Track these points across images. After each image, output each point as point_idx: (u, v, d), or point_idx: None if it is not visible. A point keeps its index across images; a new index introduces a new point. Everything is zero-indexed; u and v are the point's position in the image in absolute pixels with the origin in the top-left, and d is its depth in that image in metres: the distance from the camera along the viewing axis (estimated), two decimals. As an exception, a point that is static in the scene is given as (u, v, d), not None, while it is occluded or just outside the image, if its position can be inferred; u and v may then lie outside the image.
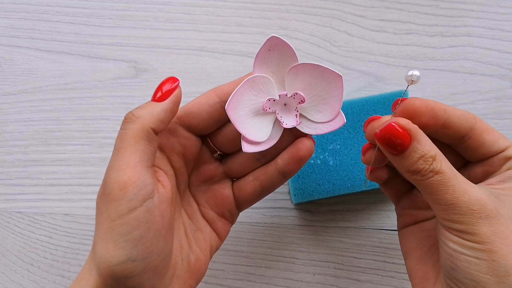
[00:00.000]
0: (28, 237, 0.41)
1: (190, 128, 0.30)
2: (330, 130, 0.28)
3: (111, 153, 0.42)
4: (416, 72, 0.26)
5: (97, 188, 0.42)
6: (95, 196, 0.42)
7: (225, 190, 0.32)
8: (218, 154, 0.31)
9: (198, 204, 0.32)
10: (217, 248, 0.32)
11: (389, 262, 0.40)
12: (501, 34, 0.43)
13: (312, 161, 0.38)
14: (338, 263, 0.40)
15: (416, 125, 0.25)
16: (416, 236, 0.30)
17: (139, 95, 0.43)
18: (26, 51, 0.44)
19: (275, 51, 0.27)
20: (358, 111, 0.38)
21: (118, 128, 0.43)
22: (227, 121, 0.30)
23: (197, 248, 0.31)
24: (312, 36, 0.43)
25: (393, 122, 0.25)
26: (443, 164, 0.25)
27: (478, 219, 0.24)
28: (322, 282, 0.40)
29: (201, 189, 0.32)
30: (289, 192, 0.40)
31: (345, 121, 0.28)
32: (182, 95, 0.43)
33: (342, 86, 0.27)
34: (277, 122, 0.28)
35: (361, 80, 0.42)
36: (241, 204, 0.32)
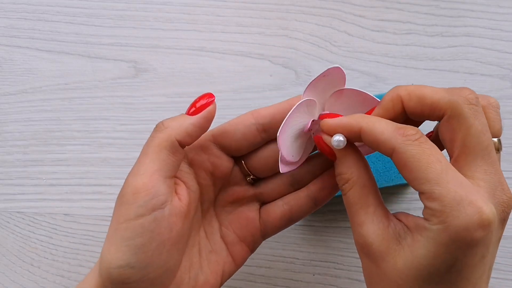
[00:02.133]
0: (28, 237, 0.41)
1: (223, 147, 0.29)
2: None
3: (111, 153, 0.43)
4: (341, 138, 0.26)
5: (97, 188, 0.42)
6: (95, 196, 0.42)
7: (251, 212, 0.31)
8: (251, 178, 0.31)
9: (220, 224, 0.31)
10: (230, 275, 0.31)
11: (389, 262, 0.40)
12: (501, 34, 0.43)
13: None
14: (338, 263, 0.40)
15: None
16: None
17: (139, 95, 0.43)
18: (26, 51, 0.44)
19: (328, 77, 0.27)
20: None
21: (118, 128, 0.43)
22: (263, 144, 0.30)
23: (208, 269, 0.30)
24: (312, 36, 0.43)
25: (320, 135, 0.27)
26: (352, 190, 0.25)
27: (361, 253, 0.25)
28: (322, 282, 0.40)
29: (227, 209, 0.31)
30: None
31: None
32: (183, 96, 0.43)
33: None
34: (309, 141, 0.29)
35: (361, 80, 0.42)
36: (266, 229, 0.31)
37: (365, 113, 0.27)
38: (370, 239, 0.24)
